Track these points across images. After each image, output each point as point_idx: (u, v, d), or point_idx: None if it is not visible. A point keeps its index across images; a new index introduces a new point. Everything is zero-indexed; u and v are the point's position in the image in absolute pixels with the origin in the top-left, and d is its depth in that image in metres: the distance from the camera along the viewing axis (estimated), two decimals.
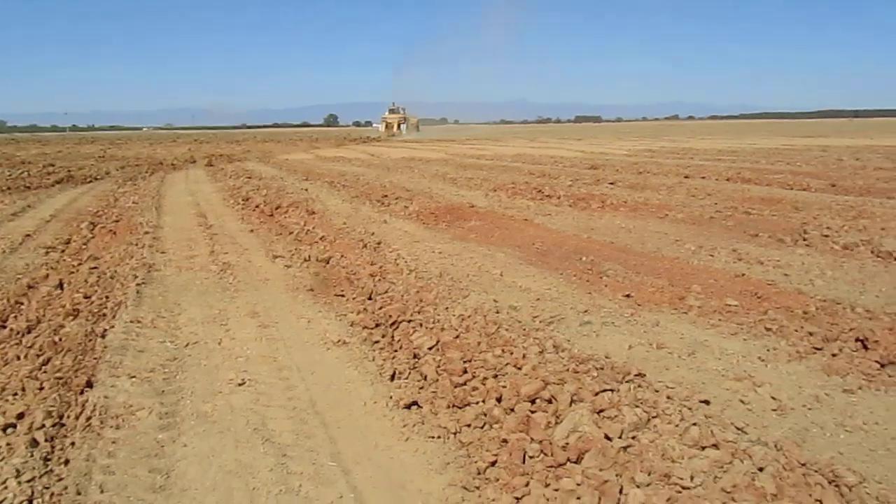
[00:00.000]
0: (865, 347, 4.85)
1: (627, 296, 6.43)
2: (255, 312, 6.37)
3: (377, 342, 5.39)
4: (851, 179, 15.99)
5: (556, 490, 3.11)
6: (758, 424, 3.82)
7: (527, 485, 3.20)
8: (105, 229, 11.16)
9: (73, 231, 11.05)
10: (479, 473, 3.40)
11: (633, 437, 3.44)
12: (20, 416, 3.99)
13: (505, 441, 3.56)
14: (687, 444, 3.35)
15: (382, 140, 66.45)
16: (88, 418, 4.08)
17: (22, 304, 6.54)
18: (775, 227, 9.76)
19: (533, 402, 3.85)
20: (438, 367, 4.54)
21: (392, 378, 4.69)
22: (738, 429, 3.65)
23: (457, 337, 4.98)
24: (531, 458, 3.40)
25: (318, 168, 25.43)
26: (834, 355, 4.81)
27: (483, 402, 4.01)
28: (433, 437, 3.84)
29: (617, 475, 3.11)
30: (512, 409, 3.83)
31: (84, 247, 9.69)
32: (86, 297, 6.69)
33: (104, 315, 6.19)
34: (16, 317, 6.09)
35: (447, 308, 5.83)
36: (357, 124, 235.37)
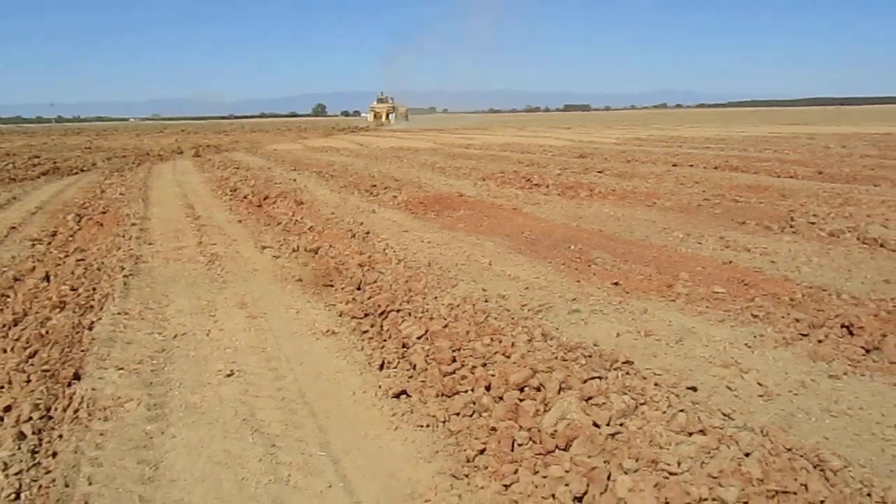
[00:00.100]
0: (851, 333, 4.89)
1: (616, 284, 6.45)
2: (244, 303, 6.36)
3: (366, 332, 5.39)
4: (838, 167, 16.07)
5: (545, 477, 3.13)
6: (744, 410, 3.85)
7: (515, 472, 3.22)
8: (92, 221, 11.09)
9: (59, 223, 10.97)
10: (468, 461, 3.41)
11: (621, 424, 3.46)
12: (7, 408, 3.97)
13: (494, 429, 3.58)
14: (674, 431, 3.37)
15: (371, 130, 66.23)
16: (76, 410, 4.07)
17: (8, 296, 6.50)
18: (762, 214, 9.80)
19: (522, 390, 3.86)
20: (427, 356, 4.55)
21: (381, 367, 4.69)
22: (724, 415, 3.68)
23: (446, 326, 4.99)
24: (520, 445, 3.42)
25: (306, 158, 25.32)
26: (820, 341, 4.85)
27: (472, 390, 4.02)
28: (422, 426, 3.85)
29: (605, 462, 3.12)
30: (501, 398, 3.84)
31: (71, 239, 9.63)
32: (73, 289, 6.65)
33: (91, 307, 6.15)
34: (2, 309, 6.06)
35: (436, 297, 5.83)
36: (345, 114, 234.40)
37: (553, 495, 3.00)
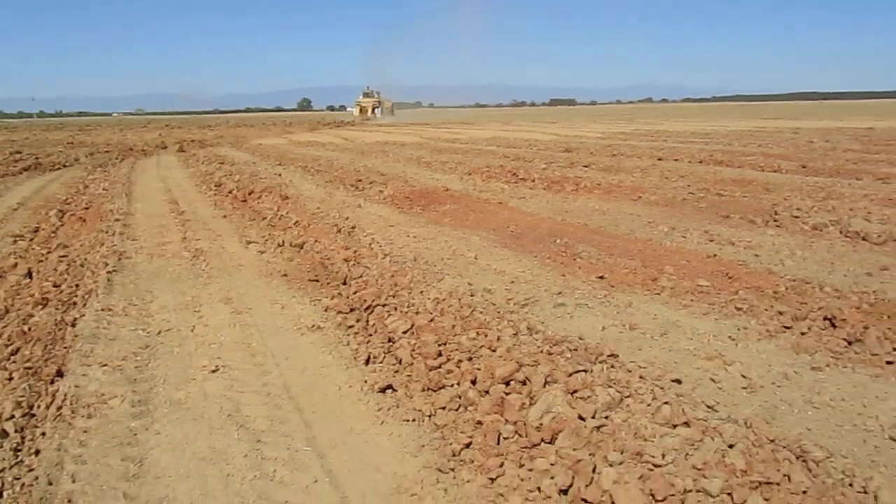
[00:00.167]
0: (833, 326, 4.93)
1: (601, 277, 6.48)
2: (229, 298, 6.33)
3: (351, 327, 5.37)
4: (821, 161, 16.19)
5: (531, 470, 3.14)
6: (728, 402, 3.87)
7: (501, 465, 3.23)
8: (74, 217, 10.99)
9: (41, 219, 10.86)
10: (453, 455, 3.41)
11: (606, 417, 3.48)
12: None
13: (479, 423, 3.58)
14: (659, 423, 3.39)
15: (357, 124, 66.06)
16: (59, 408, 4.03)
17: None
18: (747, 208, 9.86)
19: (507, 383, 3.87)
20: (413, 350, 4.54)
21: (367, 362, 4.69)
22: (708, 407, 3.70)
23: (431, 320, 4.99)
24: (505, 439, 3.43)
25: (291, 153, 25.22)
26: (803, 334, 4.89)
27: (458, 384, 4.02)
28: (408, 421, 3.85)
29: (590, 454, 3.14)
30: (486, 392, 3.84)
31: (53, 235, 9.54)
32: (55, 285, 6.59)
33: (74, 303, 6.11)
34: None
35: (422, 292, 5.82)
36: (331, 108, 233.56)
37: (539, 488, 3.00)
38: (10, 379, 4.34)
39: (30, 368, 4.51)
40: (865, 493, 2.81)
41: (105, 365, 4.70)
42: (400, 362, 4.50)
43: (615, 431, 3.33)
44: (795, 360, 4.48)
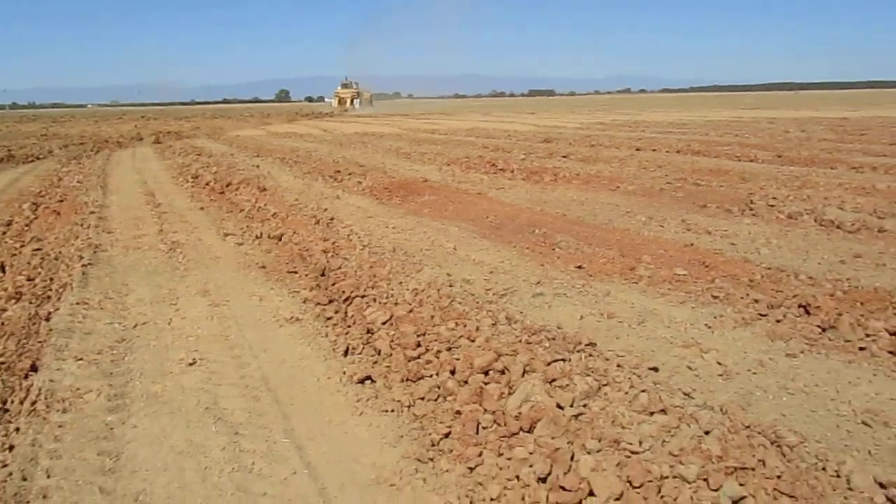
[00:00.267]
0: (808, 313, 4.99)
1: (579, 267, 6.50)
2: (206, 291, 6.28)
3: (330, 318, 5.36)
4: (797, 150, 16.36)
5: (509, 459, 3.15)
6: (704, 389, 3.91)
7: (480, 455, 3.24)
8: (49, 210, 10.83)
9: (14, 212, 10.70)
10: (432, 445, 3.42)
11: (584, 406, 3.50)
12: None
13: (458, 413, 3.59)
14: (636, 411, 3.42)
15: (335, 115, 65.70)
16: (33, 403, 3.98)
17: None
18: (723, 197, 9.95)
19: (486, 373, 3.87)
20: (392, 341, 4.54)
21: (345, 354, 4.67)
22: (685, 394, 3.74)
23: (410, 311, 4.99)
24: (484, 428, 3.44)
25: (269, 144, 25.03)
26: (778, 321, 4.95)
27: (437, 374, 4.02)
28: (387, 411, 3.85)
29: (568, 442, 3.15)
30: (465, 381, 3.85)
31: (27, 228, 9.40)
32: (29, 279, 6.50)
33: (49, 297, 6.03)
34: None
35: (401, 283, 5.81)
36: (309, 99, 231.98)
37: (517, 477, 3.02)
38: None
39: (3, 363, 4.45)
40: (838, 476, 2.86)
41: (80, 359, 4.65)
42: (379, 353, 4.49)
43: (593, 419, 3.35)
44: (770, 347, 4.54)
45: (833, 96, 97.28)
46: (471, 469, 3.17)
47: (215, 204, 11.28)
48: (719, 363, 4.27)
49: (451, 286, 5.81)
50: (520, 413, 3.42)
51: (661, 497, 2.75)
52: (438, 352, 4.24)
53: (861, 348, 4.41)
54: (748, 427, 3.25)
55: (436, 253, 7.32)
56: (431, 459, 3.31)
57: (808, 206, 8.87)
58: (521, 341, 4.31)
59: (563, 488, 2.87)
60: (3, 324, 5.20)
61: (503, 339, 4.35)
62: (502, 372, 3.86)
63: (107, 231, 9.15)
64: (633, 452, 3.04)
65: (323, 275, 6.34)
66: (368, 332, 4.87)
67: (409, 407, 3.82)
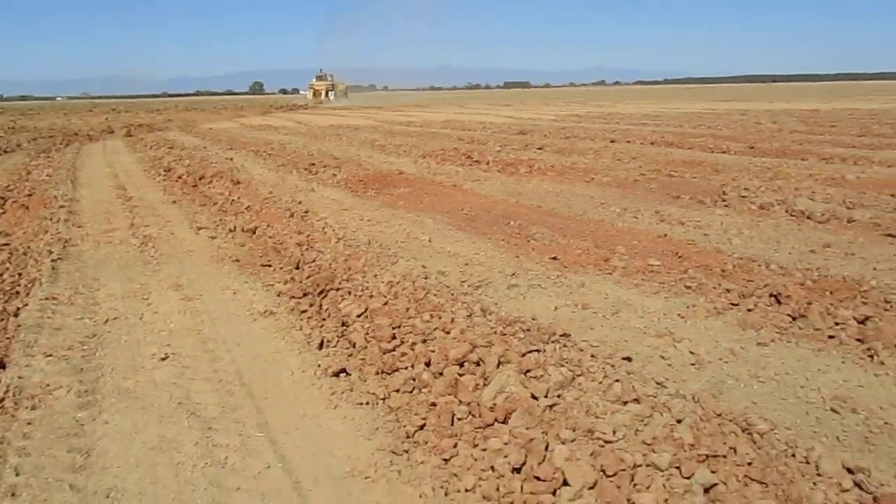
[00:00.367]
0: (779, 302, 5.06)
1: (554, 258, 6.53)
2: (179, 285, 6.21)
3: (305, 311, 5.32)
4: (768, 142, 16.55)
5: (484, 450, 3.16)
6: (677, 378, 3.95)
7: (455, 446, 3.24)
8: (17, 204, 10.63)
9: None
10: (407, 437, 3.41)
11: (559, 396, 3.51)
12: None
13: (433, 404, 3.59)
14: (610, 400, 3.44)
15: (310, 107, 65.24)
16: (1, 400, 3.90)
17: None
18: (696, 188, 10.04)
19: (461, 365, 3.88)
20: (367, 333, 4.52)
21: (320, 346, 4.65)
22: (658, 383, 3.77)
23: (385, 303, 4.97)
24: (459, 420, 3.44)
25: (243, 137, 24.80)
26: (749, 310, 5.01)
27: (412, 366, 4.02)
28: (362, 404, 3.84)
29: (543, 433, 3.17)
30: (440, 373, 3.85)
31: None
32: None
33: (17, 293, 5.93)
34: None
35: (376, 275, 5.80)
36: (284, 92, 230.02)
37: (492, 467, 3.02)
38: None
39: None
40: (807, 462, 2.90)
41: (50, 355, 4.57)
42: (354, 346, 4.47)
43: (567, 410, 3.36)
44: (742, 336, 4.59)
45: (805, 88, 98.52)
46: (446, 460, 3.17)
47: (188, 197, 11.16)
48: (692, 352, 4.31)
49: (426, 278, 5.80)
50: (495, 404, 3.42)
51: (635, 485, 2.77)
52: (413, 344, 4.24)
53: (830, 336, 4.48)
54: (720, 415, 3.28)
55: (411, 245, 7.31)
56: (406, 451, 3.31)
57: (779, 196, 8.98)
58: (496, 333, 4.32)
59: (537, 478, 2.88)
60: None
61: (478, 330, 4.35)
62: (477, 363, 3.86)
63: (77, 225, 9.02)
64: (606, 441, 3.06)
65: (297, 268, 6.30)
66: (343, 324, 4.84)
67: (384, 399, 3.82)
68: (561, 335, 4.39)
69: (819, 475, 2.82)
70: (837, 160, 13.01)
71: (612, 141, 18.31)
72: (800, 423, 3.42)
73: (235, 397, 3.99)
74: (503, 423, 3.32)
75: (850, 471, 2.83)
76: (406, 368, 4.03)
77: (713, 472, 2.81)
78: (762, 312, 4.95)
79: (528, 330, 4.44)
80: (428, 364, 3.96)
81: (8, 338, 4.88)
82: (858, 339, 4.38)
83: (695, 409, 3.33)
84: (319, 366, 4.36)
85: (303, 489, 3.08)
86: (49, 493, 3.06)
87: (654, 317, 5.00)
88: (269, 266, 6.64)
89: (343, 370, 4.22)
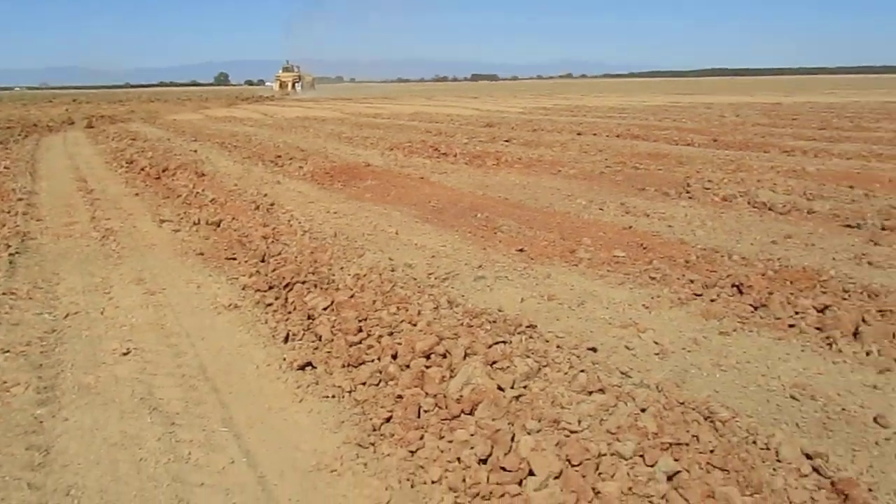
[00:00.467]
0: (741, 292, 5.14)
1: (521, 250, 6.55)
2: (141, 279, 6.11)
3: (270, 305, 5.27)
4: (732, 135, 16.80)
5: (450, 442, 3.16)
6: (641, 368, 3.99)
7: (421, 438, 3.23)
8: None
9: None
10: (373, 430, 3.40)
11: (525, 387, 3.53)
12: None
13: (400, 397, 3.58)
14: (575, 391, 3.46)
15: (276, 99, 64.63)
16: None
17: None
18: (661, 180, 10.15)
19: (428, 357, 3.87)
20: (333, 326, 4.49)
21: (286, 340, 4.61)
22: (622, 373, 3.81)
23: (352, 296, 4.95)
24: (426, 412, 3.44)
25: (208, 128, 24.46)
26: (712, 300, 5.08)
27: (378, 359, 4.00)
28: (328, 397, 3.81)
29: (509, 424, 3.18)
30: (407, 366, 3.84)
31: None
32: None
33: None
34: None
35: (342, 268, 5.77)
36: (249, 83, 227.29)
37: (458, 459, 3.02)
38: None
39: None
40: (768, 449, 2.95)
41: (7, 351, 4.47)
42: (320, 339, 4.44)
43: (533, 400, 3.38)
44: (705, 326, 4.65)
45: (768, 82, 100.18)
46: (412, 452, 3.16)
47: (151, 190, 10.98)
48: (656, 342, 4.36)
49: (393, 271, 5.78)
50: (461, 396, 3.43)
51: (599, 474, 2.80)
52: (380, 336, 4.22)
53: (790, 325, 4.56)
54: (683, 404, 3.33)
55: (378, 238, 7.28)
56: (373, 444, 3.29)
57: (741, 188, 9.12)
58: (462, 325, 4.33)
59: (503, 469, 2.89)
60: None
61: (445, 322, 4.36)
62: (444, 355, 3.86)
63: (36, 218, 8.82)
64: (571, 431, 3.08)
65: (263, 261, 6.24)
66: (309, 318, 4.81)
67: (350, 392, 3.79)
68: (527, 326, 4.41)
69: (779, 461, 2.87)
70: (798, 153, 13.25)
71: (578, 133, 18.42)
72: (760, 411, 3.48)
73: (199, 392, 3.94)
74: (469, 414, 3.33)
75: (808, 456, 2.89)
76: (372, 361, 4.01)
77: (676, 459, 2.85)
78: (724, 302, 5.02)
79: (495, 322, 4.46)
80: (395, 357, 3.95)
81: None
82: (818, 328, 4.47)
83: (658, 398, 3.37)
84: (285, 359, 4.32)
85: (268, 483, 3.05)
86: (6, 492, 2.99)
87: (619, 307, 5.04)
88: (234, 259, 6.57)
89: (309, 363, 4.18)
